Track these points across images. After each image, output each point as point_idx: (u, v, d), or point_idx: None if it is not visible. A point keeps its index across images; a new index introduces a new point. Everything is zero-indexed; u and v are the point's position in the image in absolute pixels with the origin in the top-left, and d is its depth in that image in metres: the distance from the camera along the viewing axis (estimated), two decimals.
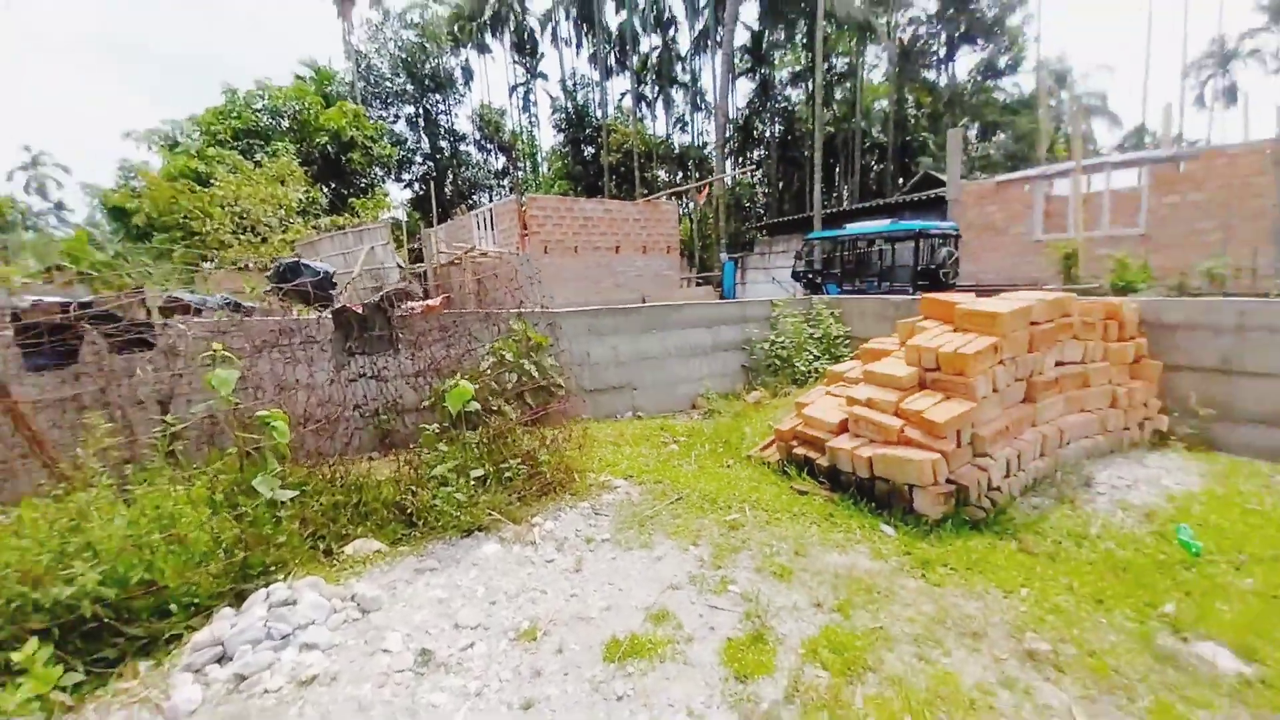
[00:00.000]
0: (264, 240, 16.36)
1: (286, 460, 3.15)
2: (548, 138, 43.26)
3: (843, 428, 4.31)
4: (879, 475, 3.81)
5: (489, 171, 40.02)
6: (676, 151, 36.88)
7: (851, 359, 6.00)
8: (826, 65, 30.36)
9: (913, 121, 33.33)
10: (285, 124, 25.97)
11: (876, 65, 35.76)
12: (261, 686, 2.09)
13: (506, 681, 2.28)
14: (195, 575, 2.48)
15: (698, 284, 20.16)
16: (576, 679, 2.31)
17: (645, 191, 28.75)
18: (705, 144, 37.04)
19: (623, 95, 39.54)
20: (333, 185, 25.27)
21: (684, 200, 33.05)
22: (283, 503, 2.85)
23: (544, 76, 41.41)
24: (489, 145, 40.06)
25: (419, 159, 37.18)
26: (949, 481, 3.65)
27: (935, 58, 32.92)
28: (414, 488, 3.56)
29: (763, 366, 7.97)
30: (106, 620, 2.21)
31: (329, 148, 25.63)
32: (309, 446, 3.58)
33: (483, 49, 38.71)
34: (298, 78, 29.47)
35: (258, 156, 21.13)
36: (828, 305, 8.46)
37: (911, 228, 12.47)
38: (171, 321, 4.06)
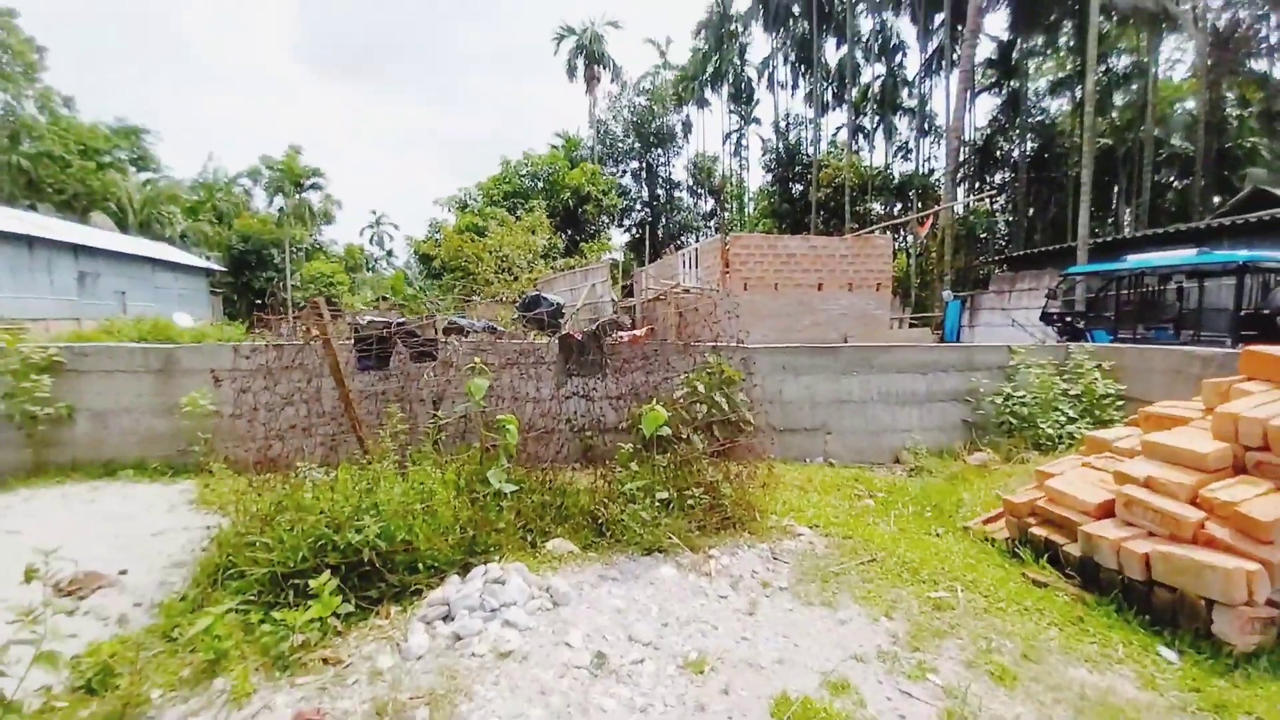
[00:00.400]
0: (515, 279, 19.82)
1: (512, 460, 3.71)
2: (755, 179, 44.15)
3: (1105, 511, 3.41)
4: (1160, 580, 2.90)
5: (697, 214, 42.40)
6: (896, 182, 34.20)
7: (1125, 425, 4.75)
8: (1103, 67, 25.24)
9: (1235, 124, 25.54)
10: (540, 185, 31.27)
11: (1177, 60, 28.53)
12: (470, 650, 2.46)
13: (670, 707, 2.29)
14: (439, 543, 3.06)
15: (911, 325, 18.13)
16: None
17: (856, 226, 27.15)
18: (932, 170, 33.70)
19: (838, 130, 38.45)
20: (569, 233, 29.42)
21: (901, 234, 30.26)
22: (506, 495, 3.37)
23: (757, 121, 42.64)
24: (700, 190, 42.55)
25: (638, 206, 41.18)
26: (1271, 604, 2.63)
27: (1266, 44, 24.88)
28: (606, 500, 3.86)
29: (992, 424, 6.77)
30: (376, 567, 2.85)
31: (569, 202, 30.03)
32: (529, 451, 4.16)
33: (702, 103, 41.59)
34: (552, 147, 35.47)
35: (518, 212, 25.76)
36: (1094, 356, 6.84)
37: (1233, 259, 9.45)
38: (449, 340, 5.16)
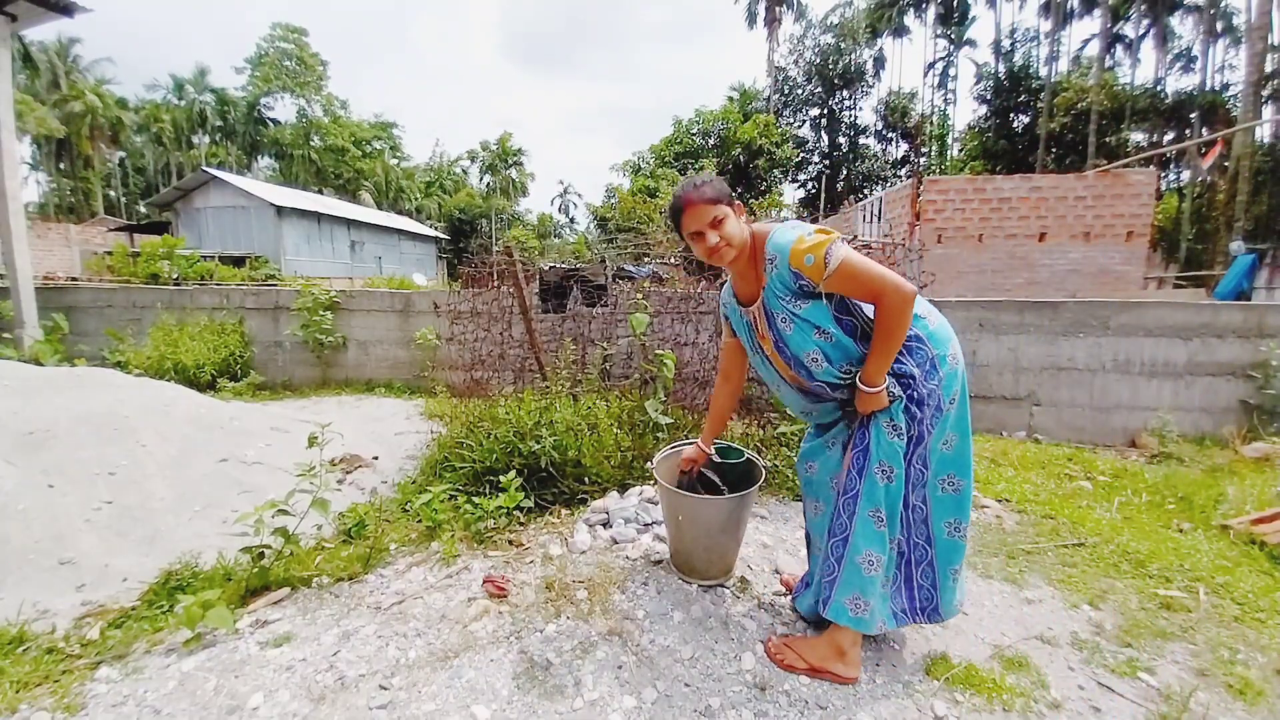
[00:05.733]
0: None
1: (669, 396, 3.90)
2: (963, 115, 37.91)
3: None
4: None
5: (885, 162, 38.00)
6: (1168, 102, 26.50)
7: None
8: None
9: None
10: (711, 142, 30.86)
11: None
12: (625, 553, 2.72)
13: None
14: (602, 462, 3.38)
15: (1177, 285, 14.19)
16: (888, 673, 2.11)
17: (1102, 162, 21.78)
18: (1226, 85, 25.42)
19: (1085, 42, 30.86)
20: (739, 190, 28.71)
21: (1175, 167, 23.49)
22: (661, 426, 3.57)
23: (970, 44, 36.13)
24: (891, 134, 37.91)
25: (816, 158, 38.26)
26: None
27: None
28: (760, 445, 3.85)
29: None
30: (551, 474, 3.26)
31: (740, 158, 29.18)
32: (687, 392, 4.31)
33: (900, 31, 36.54)
34: (728, 99, 34.54)
35: (688, 172, 25.89)
36: None
37: None
38: (618, 282, 5.53)
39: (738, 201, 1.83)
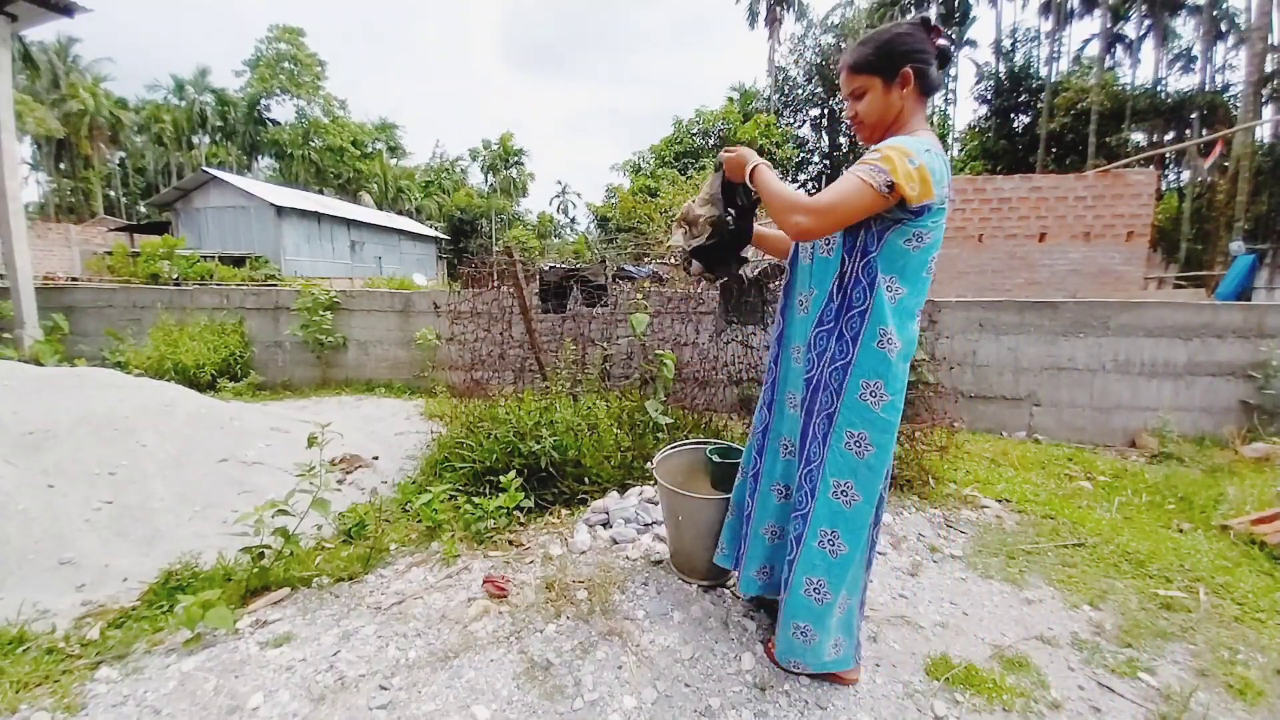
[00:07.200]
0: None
1: (669, 396, 3.90)
2: (964, 115, 37.92)
3: None
4: None
5: None
6: (1169, 102, 26.48)
7: None
8: None
9: None
10: (711, 142, 30.88)
11: None
12: (625, 553, 2.72)
13: None
14: (602, 462, 3.38)
15: (1178, 285, 14.19)
16: (888, 674, 2.11)
17: (1102, 161, 21.78)
18: (1226, 86, 25.41)
19: (1085, 42, 30.83)
20: None
21: (1175, 167, 23.48)
22: (661, 426, 3.57)
23: (970, 44, 36.07)
24: None
25: (816, 158, 38.27)
26: None
27: None
28: None
29: None
30: (551, 474, 3.26)
31: None
32: (687, 392, 4.31)
33: None
34: (728, 99, 34.54)
35: (689, 172, 25.92)
36: None
37: None
38: (617, 282, 5.52)
39: (907, 69, 1.56)
